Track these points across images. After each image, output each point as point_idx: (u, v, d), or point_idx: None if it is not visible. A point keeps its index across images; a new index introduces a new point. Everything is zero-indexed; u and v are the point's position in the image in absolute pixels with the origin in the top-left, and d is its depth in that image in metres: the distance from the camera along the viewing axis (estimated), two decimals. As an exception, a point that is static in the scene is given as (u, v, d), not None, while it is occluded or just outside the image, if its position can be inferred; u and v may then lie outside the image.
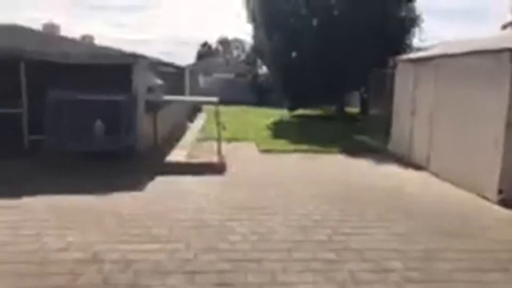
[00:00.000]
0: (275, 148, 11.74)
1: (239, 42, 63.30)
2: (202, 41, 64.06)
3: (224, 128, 10.59)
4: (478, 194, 7.22)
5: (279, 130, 15.72)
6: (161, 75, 12.64)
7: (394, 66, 11.30)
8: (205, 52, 62.12)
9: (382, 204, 6.62)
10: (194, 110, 21.83)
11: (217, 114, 10.46)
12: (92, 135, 9.37)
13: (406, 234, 5.38)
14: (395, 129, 11.10)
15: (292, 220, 5.82)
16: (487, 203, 6.84)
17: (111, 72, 9.82)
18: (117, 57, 9.63)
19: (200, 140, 13.31)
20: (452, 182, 8.05)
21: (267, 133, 15.16)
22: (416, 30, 18.93)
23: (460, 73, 7.93)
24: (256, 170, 9.09)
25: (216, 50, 64.98)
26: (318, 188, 7.58)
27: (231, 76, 36.13)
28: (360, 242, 5.06)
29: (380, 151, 11.55)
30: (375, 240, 5.13)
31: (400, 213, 6.20)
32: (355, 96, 23.01)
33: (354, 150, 11.60)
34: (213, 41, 63.28)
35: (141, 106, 9.96)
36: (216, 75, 36.40)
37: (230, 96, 30.30)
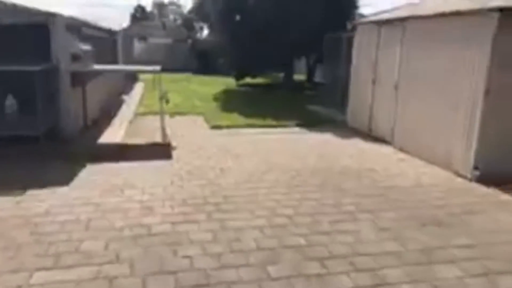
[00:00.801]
0: (226, 123, 10.56)
1: (176, 5, 59.80)
2: (134, 3, 59.65)
3: (167, 101, 9.20)
4: (453, 172, 6.67)
5: (227, 101, 14.50)
6: (89, 39, 10.75)
7: (352, 30, 10.42)
8: (139, 15, 57.98)
9: (357, 191, 5.81)
10: (130, 80, 19.80)
11: (158, 84, 9.00)
12: (1, 116, 7.60)
13: (392, 228, 4.60)
14: (353, 99, 10.36)
15: (260, 216, 4.81)
16: (464, 182, 6.29)
17: (24, 35, 7.96)
18: (26, 14, 7.73)
19: (139, 115, 11.76)
20: (422, 158, 7.47)
21: (214, 104, 13.89)
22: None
23: (433, 37, 7.18)
24: (209, 151, 7.91)
25: (151, 13, 60.91)
26: (283, 172, 6.62)
27: (169, 41, 33.65)
28: (346, 244, 4.18)
29: (337, 123, 10.82)
30: (362, 241, 4.28)
31: (379, 202, 5.42)
32: (302, 64, 22.15)
33: (310, 122, 10.76)
34: (147, 3, 59.01)
35: (65, 77, 8.24)
36: (153, 40, 33.73)
37: (170, 64, 28.05)
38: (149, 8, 59.43)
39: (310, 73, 22.15)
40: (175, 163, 7.04)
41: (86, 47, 9.23)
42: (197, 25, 40.46)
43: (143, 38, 33.57)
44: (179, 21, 51.54)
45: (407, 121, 8.03)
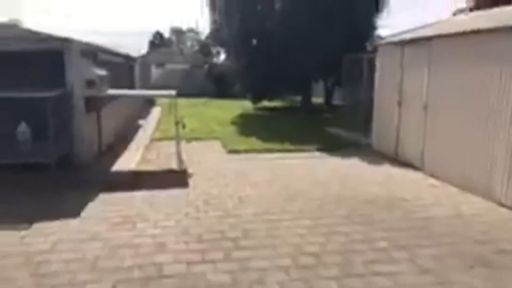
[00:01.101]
0: (244, 147, 10.18)
1: (193, 32, 60.90)
2: (153, 30, 60.91)
3: (183, 127, 8.89)
4: (493, 201, 6.08)
5: (244, 125, 14.16)
6: (105, 65, 10.66)
7: (373, 51, 10.04)
8: (158, 42, 59.18)
9: (388, 223, 5.28)
10: (147, 105, 19.77)
11: (174, 109, 8.72)
12: (14, 143, 7.39)
13: (435, 270, 4.05)
14: (378, 122, 9.87)
15: (284, 255, 4.33)
16: (509, 213, 5.68)
17: (38, 61, 7.85)
18: (42, 40, 7.62)
19: (154, 140, 11.49)
20: (455, 185, 6.88)
21: (232, 129, 13.56)
22: (384, 13, 17.90)
23: (466, 56, 6.72)
24: (227, 178, 7.50)
25: (169, 40, 62.12)
26: (306, 201, 6.14)
27: (186, 66, 33.92)
28: (383, 289, 3.65)
29: (360, 147, 10.32)
30: (402, 286, 3.74)
31: (415, 236, 4.87)
32: (319, 86, 21.82)
33: (331, 146, 10.28)
34: (165, 30, 60.26)
35: (79, 103, 8.04)
36: (170, 66, 34.09)
37: (187, 89, 28.11)
38: (167, 34, 60.63)
39: (328, 96, 21.78)
40: (191, 192, 6.64)
41: (101, 72, 9.07)
42: (214, 50, 40.88)
43: (160, 64, 33.98)
44: (196, 47, 52.36)
45: (438, 145, 7.49)
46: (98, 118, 9.38)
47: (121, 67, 13.58)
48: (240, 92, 21.34)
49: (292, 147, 10.23)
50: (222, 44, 21.73)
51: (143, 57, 33.68)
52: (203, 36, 48.65)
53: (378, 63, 9.77)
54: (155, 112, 18.23)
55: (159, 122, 14.92)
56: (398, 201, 6.19)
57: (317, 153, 9.79)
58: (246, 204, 5.99)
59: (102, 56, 10.43)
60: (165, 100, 23.12)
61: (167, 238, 4.76)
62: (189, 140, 11.57)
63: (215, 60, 37.81)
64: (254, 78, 17.98)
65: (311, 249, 4.45)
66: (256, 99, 20.07)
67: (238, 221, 5.28)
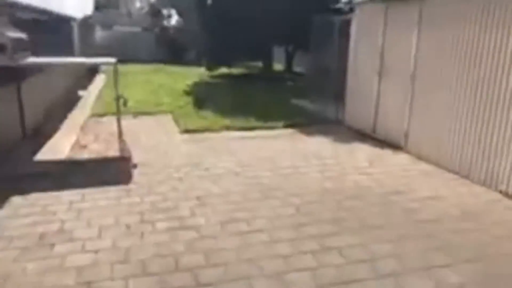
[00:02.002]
0: (200, 125, 8.73)
1: (142, -9, 56.82)
2: (97, -11, 55.93)
3: (125, 103, 7.28)
4: (497, 190, 5.18)
5: (200, 96, 12.59)
6: (28, 26, 8.63)
7: (349, 12, 8.76)
8: (103, 3, 54.58)
9: (390, 230, 4.20)
10: (89, 73, 17.52)
11: (115, 81, 7.08)
12: None
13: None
14: (351, 94, 8.74)
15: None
16: (521, 207, 4.79)
17: None
18: None
19: (94, 116, 9.74)
20: (450, 170, 5.95)
21: (186, 100, 11.97)
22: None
23: (469, 17, 5.59)
24: (181, 169, 6.09)
25: (116, 0, 57.59)
26: (282, 202, 4.93)
27: (136, 29, 31.11)
28: None
29: (331, 122, 9.21)
30: None
31: (429, 249, 3.83)
32: (279, 52, 20.39)
33: (300, 122, 9.08)
34: (111, -11, 55.41)
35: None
36: (118, 28, 31.15)
37: (136, 54, 25.87)
38: (112, -6, 55.99)
39: (289, 62, 20.49)
40: (135, 190, 5.21)
41: (16, 34, 7.15)
42: (165, 12, 38.14)
43: (107, 27, 31.11)
44: (146, 9, 48.78)
45: (428, 122, 6.48)
46: (18, 94, 7.53)
47: (53, 29, 11.40)
48: (194, 58, 19.51)
49: (255, 123, 8.91)
50: (173, 4, 19.59)
51: (88, 18, 30.47)
52: (153, -3, 45.41)
53: (354, 26, 8.51)
54: (99, 81, 16.12)
55: (101, 93, 13.00)
56: (391, 195, 5.13)
57: (285, 131, 8.56)
58: (207, 207, 4.67)
59: (22, 15, 8.39)
60: (110, 67, 20.81)
61: (97, 270, 3.38)
62: (135, 115, 9.95)
63: (165, 23, 35.09)
64: (209, 43, 16.27)
65: (300, 279, 3.26)
66: (212, 65, 18.37)
67: (197, 237, 3.98)
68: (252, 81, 16.60)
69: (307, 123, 9.04)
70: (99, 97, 12.38)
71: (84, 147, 7.29)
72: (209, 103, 11.16)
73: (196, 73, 18.83)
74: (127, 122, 9.09)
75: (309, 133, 8.29)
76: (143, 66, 22.09)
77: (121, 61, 21.62)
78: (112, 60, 7.26)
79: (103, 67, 20.99)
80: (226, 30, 15.35)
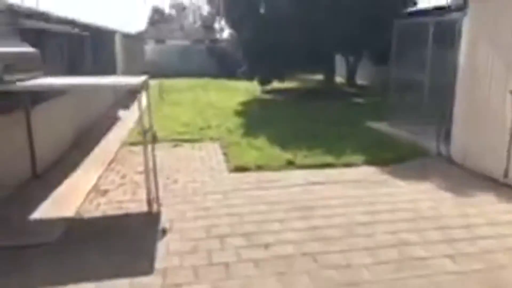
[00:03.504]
0: (254, 160, 6.72)
1: (195, 6, 57.35)
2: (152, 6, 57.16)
3: (154, 139, 5.48)
4: None
5: (252, 117, 10.68)
6: (50, 39, 7.20)
7: (458, 9, 6.45)
8: (157, 18, 55.51)
9: None
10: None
11: (146, 110, 5.30)
12: None
13: None
14: (465, 118, 6.37)
15: None
16: None
17: None
18: None
19: (128, 145, 8.08)
20: None
21: (236, 122, 10.09)
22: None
23: None
24: (230, 240, 4.13)
25: (169, 15, 58.42)
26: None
27: (187, 43, 30.31)
28: None
29: (432, 158, 6.87)
30: None
31: None
32: (338, 62, 18.11)
33: (386, 157, 6.81)
34: (165, 6, 56.32)
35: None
36: (170, 43, 30.58)
37: (186, 68, 24.74)
38: (167, 10, 56.87)
39: (351, 74, 18.16)
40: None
41: (20, 49, 5.63)
42: (217, 25, 37.49)
43: (160, 41, 30.79)
44: (198, 23, 48.72)
45: None
46: (27, 123, 5.98)
47: (92, 44, 10.07)
48: (246, 71, 17.78)
49: (325, 158, 6.77)
50: (226, 16, 18.05)
51: (141, 33, 30.20)
52: (205, 11, 45.21)
53: (468, 27, 6.18)
54: (144, 97, 14.75)
55: (144, 113, 11.47)
56: None
57: (366, 170, 6.33)
58: None
59: (39, 25, 6.94)
60: (155, 82, 19.67)
61: None
62: (176, 143, 8.20)
63: (217, 36, 34.12)
64: (262, 54, 14.41)
65: None
66: (264, 80, 16.50)
67: None
68: (311, 97, 14.48)
69: (396, 158, 6.76)
70: (139, 119, 10.84)
71: (104, 193, 5.55)
72: (263, 127, 9.21)
73: (248, 88, 17.08)
74: (165, 153, 7.38)
75: (403, 175, 6.02)
76: (193, 81, 20.76)
77: (170, 75, 20.42)
78: (141, 79, 5.49)
79: (151, 82, 19.88)
80: (281, 39, 13.43)
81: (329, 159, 6.69)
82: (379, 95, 14.82)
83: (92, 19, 10.46)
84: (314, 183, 5.70)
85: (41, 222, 4.64)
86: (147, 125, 5.15)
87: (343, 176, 6.04)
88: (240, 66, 17.65)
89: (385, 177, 5.99)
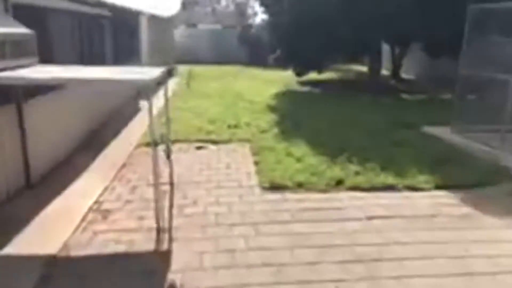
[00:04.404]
0: (295, 174, 5.40)
1: (228, -11, 55.98)
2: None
3: (168, 154, 4.29)
4: None
5: (288, 114, 9.33)
6: (54, 19, 6.06)
7: None
8: (189, 1, 54.42)
9: None
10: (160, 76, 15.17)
11: (163, 112, 4.10)
12: None
13: None
14: None
15: None
16: None
17: None
18: None
19: (143, 146, 6.92)
20: None
21: (269, 119, 8.77)
22: None
23: None
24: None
25: (202, -2, 57.28)
26: None
27: (219, 27, 29.05)
28: None
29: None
30: None
31: None
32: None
33: (460, 178, 5.35)
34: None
35: None
36: (202, 27, 29.43)
37: (217, 53, 23.50)
38: (198, -8, 55.65)
39: (397, 66, 16.41)
40: None
41: (14, 29, 4.48)
42: (250, 10, 36.09)
43: (191, 25, 29.73)
44: (231, 7, 47.39)
45: None
46: (20, 121, 4.88)
47: (98, 24, 8.92)
48: (280, 59, 16.34)
49: (385, 177, 5.37)
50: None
51: (172, 16, 29.19)
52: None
53: None
54: (170, 86, 13.59)
55: (168, 105, 10.34)
56: None
57: (442, 199, 4.89)
58: None
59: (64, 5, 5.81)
60: (184, 68, 18.57)
61: None
62: (200, 145, 6.99)
63: (250, 21, 32.65)
64: (299, 41, 12.97)
65: None
66: (301, 70, 15.04)
67: None
68: (353, 90, 12.95)
69: (475, 181, 5.28)
70: (161, 111, 9.71)
71: (105, 216, 4.39)
72: (301, 128, 7.87)
73: (282, 78, 15.70)
74: (187, 158, 6.22)
75: (492, 208, 4.55)
76: (223, 68, 19.54)
77: (200, 62, 19.16)
78: (156, 73, 4.24)
79: (179, 69, 18.78)
80: (322, 24, 11.95)
81: (388, 178, 5.29)
82: (427, 91, 13.15)
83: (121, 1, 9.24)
84: (374, 217, 4.33)
85: (14, 261, 3.52)
86: (161, 128, 3.88)
87: (410, 207, 4.63)
88: (273, 53, 16.27)
89: (467, 210, 4.55)
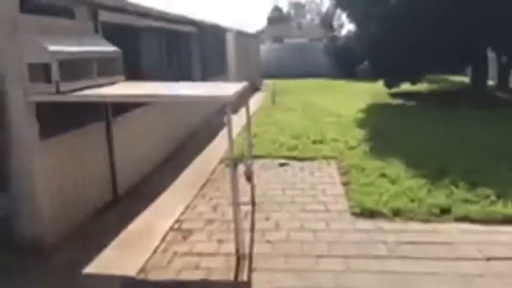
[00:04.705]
0: (388, 198, 4.78)
1: (314, 4, 56.01)
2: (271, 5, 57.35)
3: (249, 179, 4.00)
4: None
5: (379, 129, 8.61)
6: (141, 37, 6.24)
7: None
8: (276, 17, 55.37)
9: None
10: (245, 91, 15.24)
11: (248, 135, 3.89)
12: None
13: None
14: None
15: None
16: None
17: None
18: None
19: (229, 161, 6.76)
20: None
21: (357, 135, 8.13)
22: None
23: None
24: None
25: (288, 14, 57.87)
26: None
27: (304, 41, 28.86)
28: None
29: None
30: None
31: None
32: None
33: None
34: (284, 4, 55.88)
35: (20, 117, 3.67)
36: (287, 41, 29.58)
37: (302, 67, 23.25)
38: (285, 8, 56.43)
39: (505, 76, 14.55)
40: None
41: (106, 48, 4.59)
42: (336, 23, 35.42)
43: (278, 40, 30.11)
44: (316, 21, 47.17)
45: None
46: (109, 138, 4.99)
47: (185, 41, 9.08)
48: (369, 71, 15.51)
49: (503, 207, 4.47)
50: (348, 6, 15.99)
51: (259, 32, 29.87)
52: (324, 8, 43.46)
53: None
54: (255, 101, 13.58)
55: (252, 119, 10.23)
56: None
57: None
58: None
59: (136, 22, 5.99)
60: (270, 82, 18.55)
61: None
62: (283, 162, 6.64)
63: (336, 34, 31.97)
64: (390, 51, 12.13)
65: None
66: (392, 81, 14.08)
67: None
68: (453, 103, 11.64)
69: None
70: (245, 127, 9.60)
71: (186, 236, 4.22)
72: (394, 145, 7.14)
73: (371, 90, 14.85)
74: (269, 176, 5.92)
75: None
76: (308, 82, 19.20)
77: (285, 76, 19.02)
78: (230, 93, 3.98)
79: (265, 83, 18.84)
80: (417, 33, 11.02)
81: (508, 208, 4.40)
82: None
83: (208, 18, 9.46)
84: (494, 258, 3.54)
85: (94, 280, 3.45)
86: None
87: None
88: (361, 64, 15.47)
89: None
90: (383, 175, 5.65)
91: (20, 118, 3.61)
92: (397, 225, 4.26)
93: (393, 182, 5.38)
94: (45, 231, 3.80)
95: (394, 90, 14.35)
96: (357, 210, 4.61)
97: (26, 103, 3.60)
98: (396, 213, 4.48)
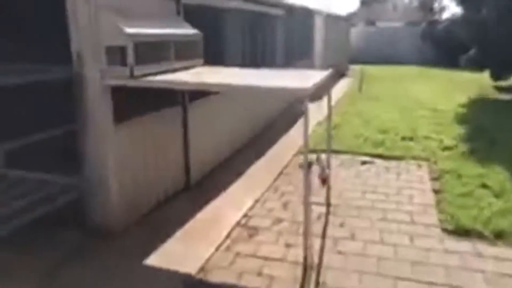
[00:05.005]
0: (491, 216, 4.04)
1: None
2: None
3: (324, 183, 3.57)
4: None
5: (482, 128, 7.54)
6: (223, 19, 6.03)
7: None
8: (370, -3, 52.47)
9: None
10: (330, 77, 14.55)
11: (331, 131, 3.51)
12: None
13: None
14: None
15: None
16: None
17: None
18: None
19: (303, 160, 6.38)
20: None
21: (455, 134, 7.19)
22: None
23: None
24: None
25: (383, -6, 54.43)
26: None
27: (400, 24, 26.83)
28: None
29: None
30: None
31: None
32: None
33: None
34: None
35: (94, 98, 3.65)
36: (380, 25, 27.78)
37: (396, 53, 21.70)
38: (380, -12, 53.05)
39: None
40: None
41: (187, 30, 4.44)
42: (437, 5, 32.35)
43: (370, 23, 28.46)
44: (415, 3, 43.68)
45: None
46: (184, 124, 4.89)
47: (269, 25, 8.70)
48: (476, 60, 13.81)
49: None
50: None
51: (351, 14, 28.43)
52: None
53: None
54: (340, 88, 12.86)
55: (335, 108, 9.66)
56: None
57: None
58: None
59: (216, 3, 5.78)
60: (358, 68, 17.51)
61: None
62: (365, 159, 6.07)
63: (436, 17, 29.13)
64: (502, 39, 10.57)
65: None
66: (501, 72, 12.39)
67: None
68: None
69: None
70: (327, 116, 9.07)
71: (251, 235, 3.97)
72: (500, 148, 6.15)
73: (475, 82, 13.23)
74: (349, 175, 5.47)
75: None
76: (402, 69, 17.84)
77: (377, 62, 17.90)
78: (309, 85, 3.56)
79: (352, 69, 17.86)
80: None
81: None
82: None
83: (298, 0, 9.01)
84: None
85: (154, 273, 3.35)
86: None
87: None
88: (465, 52, 13.78)
89: None
90: (484, 186, 4.84)
91: (96, 102, 3.59)
92: (500, 250, 3.55)
93: (497, 195, 4.57)
94: (115, 215, 3.81)
95: (502, 83, 12.62)
96: (450, 226, 3.95)
97: (102, 87, 3.58)
98: (499, 236, 3.75)
